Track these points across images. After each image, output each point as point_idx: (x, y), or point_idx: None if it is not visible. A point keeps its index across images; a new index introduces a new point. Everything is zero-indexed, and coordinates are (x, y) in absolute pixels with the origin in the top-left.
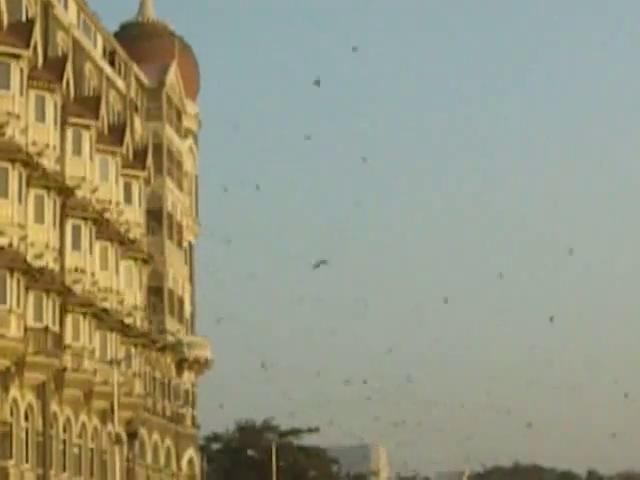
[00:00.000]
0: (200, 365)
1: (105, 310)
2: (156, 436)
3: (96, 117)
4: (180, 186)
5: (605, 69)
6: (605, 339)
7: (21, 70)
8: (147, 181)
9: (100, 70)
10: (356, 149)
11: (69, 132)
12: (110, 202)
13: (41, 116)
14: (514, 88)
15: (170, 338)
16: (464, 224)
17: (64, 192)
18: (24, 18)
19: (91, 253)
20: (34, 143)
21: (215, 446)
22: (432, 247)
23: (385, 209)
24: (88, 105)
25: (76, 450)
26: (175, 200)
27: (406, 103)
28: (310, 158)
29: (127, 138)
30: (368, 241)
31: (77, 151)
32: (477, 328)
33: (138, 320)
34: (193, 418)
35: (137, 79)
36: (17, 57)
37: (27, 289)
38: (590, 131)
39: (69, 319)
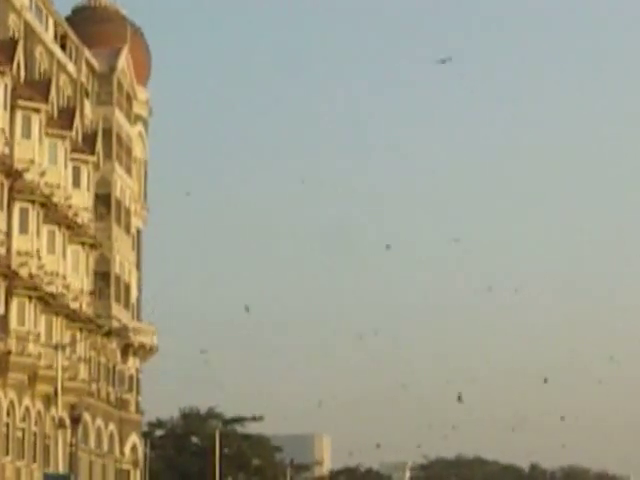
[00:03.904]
0: (145, 351)
1: (51, 294)
2: (100, 421)
3: (46, 101)
4: (129, 172)
5: None
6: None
7: None
8: (96, 166)
9: (51, 54)
10: (311, 131)
11: (19, 115)
12: (58, 186)
13: None
14: None
15: (115, 324)
16: None
17: (12, 175)
18: None
19: (38, 237)
20: None
21: (159, 432)
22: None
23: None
24: (38, 88)
25: (19, 434)
26: (124, 185)
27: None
28: (261, 145)
29: (77, 122)
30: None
31: (26, 134)
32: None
33: (84, 305)
34: (137, 404)
35: (88, 63)
36: None
37: None
38: None
39: (15, 303)
